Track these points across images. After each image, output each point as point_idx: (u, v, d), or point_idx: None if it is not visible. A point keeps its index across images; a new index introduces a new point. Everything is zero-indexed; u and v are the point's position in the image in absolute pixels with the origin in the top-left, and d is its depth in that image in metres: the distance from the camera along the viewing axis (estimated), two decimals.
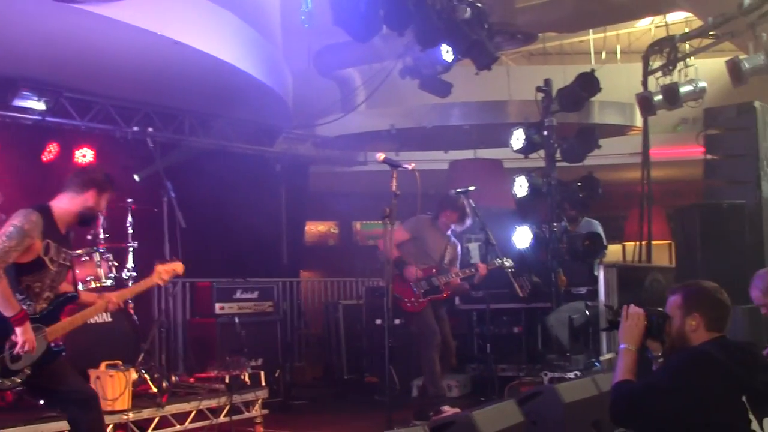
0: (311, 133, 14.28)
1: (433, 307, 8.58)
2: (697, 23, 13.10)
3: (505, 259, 8.84)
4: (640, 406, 3.99)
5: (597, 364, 9.01)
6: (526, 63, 21.88)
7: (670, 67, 11.89)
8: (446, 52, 10.18)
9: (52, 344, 5.35)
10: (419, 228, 8.51)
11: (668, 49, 11.97)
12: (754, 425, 3.93)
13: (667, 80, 11.96)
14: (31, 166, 9.99)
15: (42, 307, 5.36)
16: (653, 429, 4.07)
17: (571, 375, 8.54)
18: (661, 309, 4.28)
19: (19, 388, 5.41)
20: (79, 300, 5.65)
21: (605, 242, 10.15)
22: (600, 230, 10.37)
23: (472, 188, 8.74)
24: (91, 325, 7.42)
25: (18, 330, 5.07)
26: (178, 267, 6.21)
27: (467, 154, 15.29)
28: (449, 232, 8.86)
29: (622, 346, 4.23)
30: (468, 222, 8.80)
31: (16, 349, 5.08)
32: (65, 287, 5.59)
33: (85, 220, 5.61)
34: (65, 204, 5.49)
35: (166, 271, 6.07)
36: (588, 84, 9.94)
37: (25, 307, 5.17)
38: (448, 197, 8.70)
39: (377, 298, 11.11)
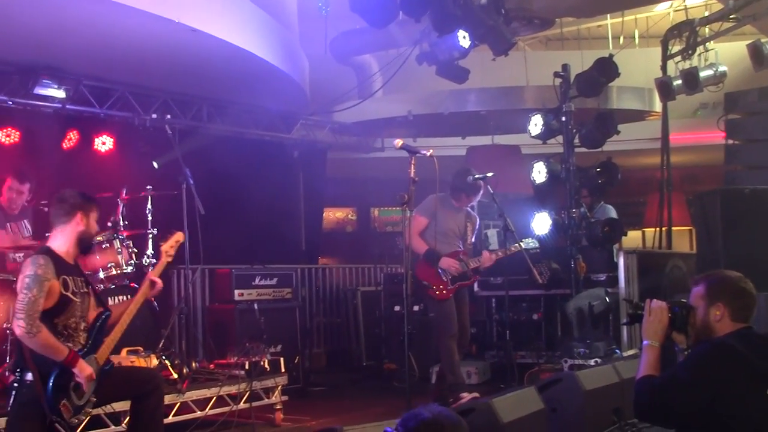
0: (329, 120, 14.19)
1: (455, 292, 8.53)
2: (717, 6, 12.94)
3: (529, 239, 8.82)
4: (662, 401, 3.96)
5: (617, 351, 8.99)
6: (543, 48, 21.78)
7: (690, 52, 11.82)
8: (463, 38, 10.12)
9: (103, 366, 5.42)
10: (432, 208, 8.41)
11: (688, 33, 11.89)
12: None
13: (686, 65, 11.87)
14: (52, 153, 10.04)
15: (84, 338, 5.41)
16: (677, 423, 4.04)
17: (591, 362, 8.52)
18: (684, 300, 4.24)
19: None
20: (112, 315, 5.66)
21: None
22: (614, 215, 10.32)
23: (489, 174, 8.62)
24: None
25: (75, 370, 5.13)
26: (179, 236, 6.27)
27: (485, 140, 15.22)
28: (467, 208, 8.80)
29: (645, 342, 4.20)
30: (479, 197, 8.73)
31: (84, 387, 5.16)
32: (92, 313, 5.60)
33: (84, 245, 5.63)
34: (60, 239, 5.51)
35: (170, 246, 6.12)
36: (606, 69, 9.91)
37: (70, 346, 5.22)
38: (465, 183, 8.59)
39: (396, 284, 11.32)
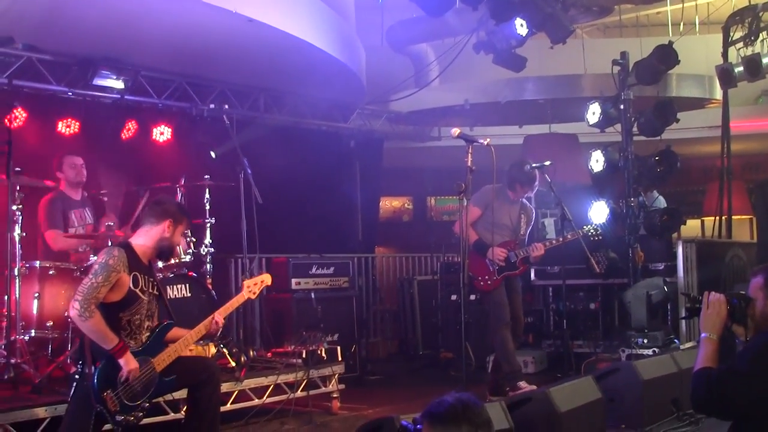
0: (385, 109, 14.13)
1: (506, 281, 8.48)
2: None
3: (591, 226, 8.69)
4: (720, 393, 3.92)
5: (676, 341, 8.96)
6: (601, 36, 21.51)
7: (752, 38, 11.70)
8: (520, 26, 10.10)
9: (164, 377, 5.49)
10: (486, 199, 8.33)
11: (750, 19, 11.76)
12: None
13: (748, 51, 11.76)
14: (111, 143, 10.14)
15: (145, 337, 5.49)
16: (735, 415, 4.01)
17: (649, 352, 8.49)
18: (743, 292, 4.19)
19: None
20: (172, 331, 5.71)
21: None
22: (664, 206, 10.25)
23: (547, 163, 8.58)
24: (171, 300, 7.57)
25: (121, 361, 5.19)
26: (266, 278, 6.33)
27: (542, 128, 15.07)
28: (524, 199, 8.73)
29: (703, 335, 4.17)
30: (536, 187, 8.64)
31: (122, 377, 5.19)
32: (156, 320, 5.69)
33: (162, 252, 5.71)
34: (143, 239, 5.62)
35: (254, 283, 6.19)
36: (665, 56, 9.86)
37: (126, 340, 5.29)
38: (522, 173, 8.51)
39: (452, 273, 11.34)
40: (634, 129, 9.97)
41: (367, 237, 13.84)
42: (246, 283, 6.21)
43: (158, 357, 5.48)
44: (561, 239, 8.57)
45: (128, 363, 5.21)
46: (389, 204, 19.16)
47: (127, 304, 5.39)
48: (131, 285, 5.37)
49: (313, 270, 10.04)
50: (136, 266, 5.46)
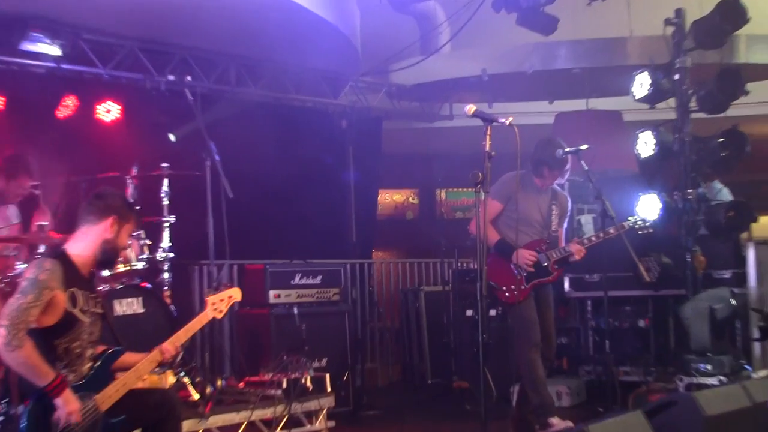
0: (384, 81, 14.21)
1: (536, 291, 8.41)
2: None
3: (637, 217, 8.55)
4: None
5: (747, 367, 8.93)
6: None
7: None
8: None
9: (112, 417, 5.36)
10: (509, 189, 8.28)
11: None
12: None
13: None
14: (45, 123, 10.09)
15: (86, 368, 5.39)
16: None
17: (713, 381, 8.49)
18: None
19: None
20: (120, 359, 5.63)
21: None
22: (729, 198, 10.31)
23: (584, 147, 8.40)
24: (121, 318, 7.62)
25: (58, 401, 5.04)
26: (235, 293, 6.29)
27: (578, 104, 15.02)
28: (554, 185, 8.67)
29: None
30: (568, 171, 8.56)
31: (60, 421, 5.04)
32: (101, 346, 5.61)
33: (105, 258, 5.63)
34: (81, 245, 5.52)
35: (220, 300, 6.14)
36: (731, 14, 9.86)
37: (64, 373, 5.16)
38: (550, 156, 8.43)
39: (468, 283, 11.27)
40: (692, 104, 9.97)
41: (362, 239, 13.87)
42: (210, 299, 6.16)
43: (104, 392, 5.36)
44: (602, 235, 8.41)
45: (67, 403, 5.06)
46: (390, 198, 19.32)
47: (64, 330, 5.29)
48: (68, 305, 5.28)
49: (296, 279, 9.96)
50: (74, 280, 5.37)
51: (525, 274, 8.31)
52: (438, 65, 13.95)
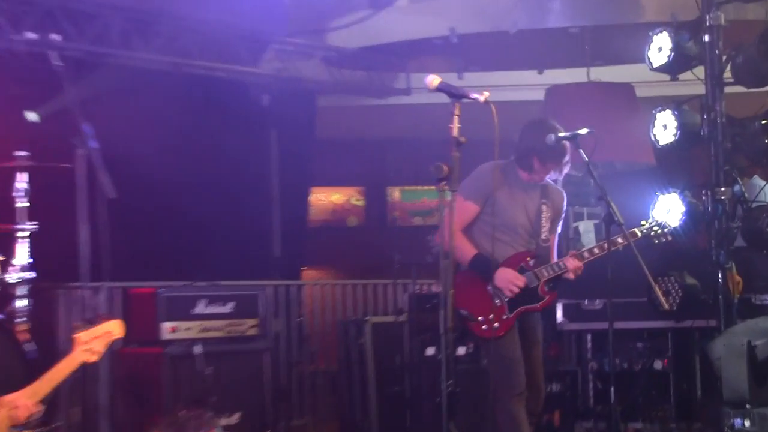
0: (320, 44, 14.36)
1: (521, 322, 8.24)
2: None
3: (652, 221, 8.46)
4: None
5: None
6: None
7: None
8: None
9: None
10: (487, 186, 8.12)
11: None
12: None
13: None
14: None
15: None
16: None
17: None
18: None
19: None
20: None
21: None
22: None
23: (583, 132, 8.18)
24: None
25: None
26: (115, 329, 6.37)
27: (576, 75, 14.99)
28: (546, 179, 8.58)
29: None
30: (568, 164, 8.45)
31: None
32: None
33: None
34: None
35: (95, 337, 6.17)
36: None
37: None
38: (542, 143, 8.23)
39: (429, 312, 10.97)
40: (726, 75, 9.97)
41: (289, 253, 14.18)
42: (80, 336, 6.18)
43: None
44: (607, 246, 8.19)
45: None
46: (326, 199, 19.52)
47: None
48: None
49: (200, 307, 9.93)
50: None
51: (507, 300, 8.12)
52: (392, 23, 13.94)
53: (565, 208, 8.75)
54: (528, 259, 8.24)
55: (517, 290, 8.07)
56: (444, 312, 6.35)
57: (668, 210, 9.65)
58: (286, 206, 14.15)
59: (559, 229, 8.65)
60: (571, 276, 8.17)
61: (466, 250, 8.09)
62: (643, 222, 8.44)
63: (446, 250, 6.68)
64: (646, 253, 8.16)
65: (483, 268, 8.09)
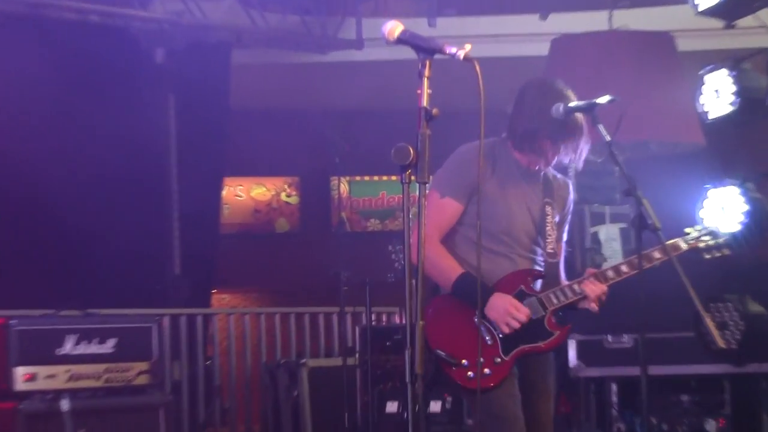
0: None
1: (521, 366, 7.74)
2: None
3: (701, 229, 8.02)
4: None
5: None
6: None
7: None
8: None
9: None
10: (470, 174, 7.50)
11: None
12: None
13: None
14: None
15: None
16: None
17: None
18: None
19: None
20: None
21: None
22: None
23: (604, 100, 7.74)
24: None
25: None
26: None
27: (593, 21, 15.09)
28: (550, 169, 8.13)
29: None
30: (582, 144, 7.92)
31: None
32: None
33: None
34: None
35: None
36: None
37: None
38: (548, 116, 7.72)
39: (389, 352, 11.02)
40: None
41: (192, 270, 13.93)
42: None
43: None
44: (638, 262, 7.74)
45: None
46: (246, 194, 19.63)
47: None
48: None
49: (68, 346, 10.05)
50: None
51: (501, 336, 7.63)
52: None
53: (571, 205, 8.34)
54: (530, 279, 7.75)
55: (516, 324, 7.55)
56: (411, 352, 5.66)
57: (723, 209, 9.64)
58: (188, 204, 13.96)
59: (565, 236, 8.23)
60: (593, 306, 7.68)
61: (447, 268, 7.60)
62: (688, 229, 8.03)
63: (415, 266, 5.92)
64: (694, 271, 7.64)
65: (473, 293, 7.23)
